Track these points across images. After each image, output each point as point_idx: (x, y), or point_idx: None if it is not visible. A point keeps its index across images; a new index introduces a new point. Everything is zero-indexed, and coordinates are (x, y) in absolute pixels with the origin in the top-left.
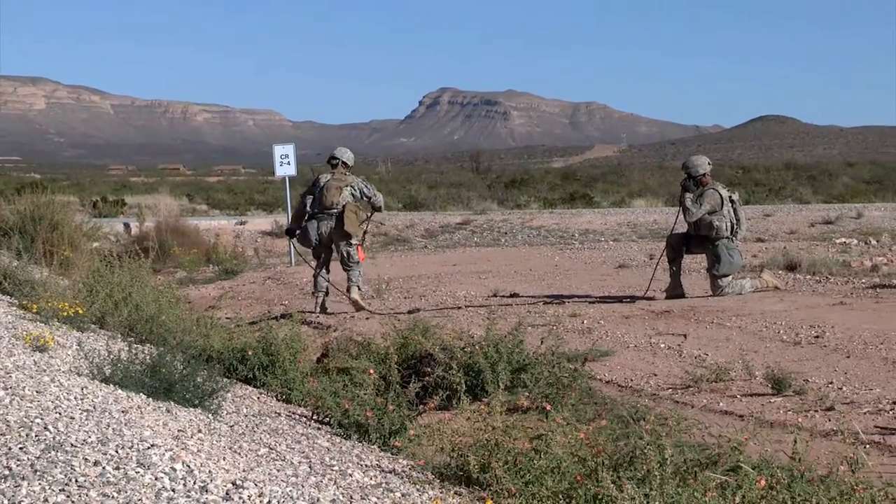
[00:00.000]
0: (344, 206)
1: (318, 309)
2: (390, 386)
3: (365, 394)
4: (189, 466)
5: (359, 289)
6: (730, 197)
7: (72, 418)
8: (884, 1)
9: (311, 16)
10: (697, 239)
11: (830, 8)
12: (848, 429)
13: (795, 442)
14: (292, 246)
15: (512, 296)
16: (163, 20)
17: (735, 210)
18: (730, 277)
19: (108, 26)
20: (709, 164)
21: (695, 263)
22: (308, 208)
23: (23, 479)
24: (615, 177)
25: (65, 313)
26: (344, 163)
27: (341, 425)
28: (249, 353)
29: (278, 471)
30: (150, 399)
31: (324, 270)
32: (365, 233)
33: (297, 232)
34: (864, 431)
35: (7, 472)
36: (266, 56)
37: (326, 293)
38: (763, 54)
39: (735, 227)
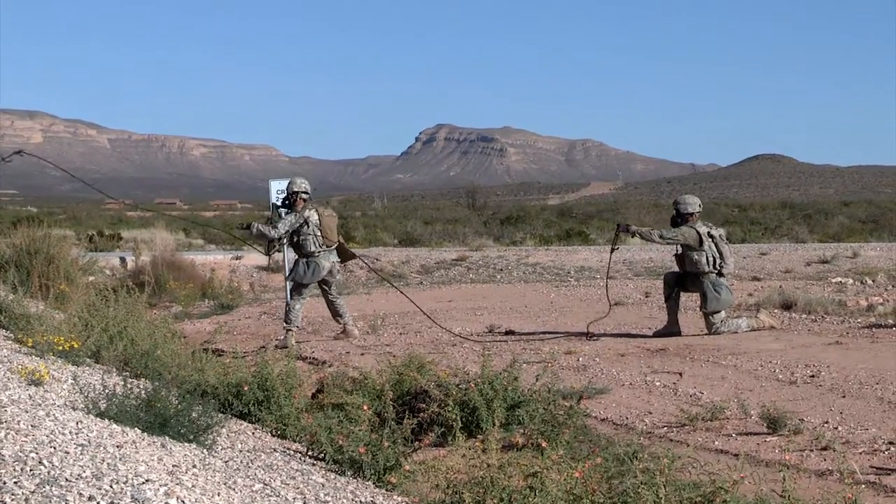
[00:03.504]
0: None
1: (287, 343)
2: (385, 422)
3: (360, 430)
4: (184, 502)
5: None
6: (708, 233)
7: (67, 453)
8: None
9: (308, 51)
10: (689, 276)
11: (827, 48)
12: (846, 468)
13: (784, 480)
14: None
15: (507, 332)
16: (160, 55)
17: (717, 245)
18: (722, 314)
19: (106, 61)
20: (699, 205)
21: (691, 302)
22: (311, 247)
23: None
24: (611, 214)
25: (60, 347)
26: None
27: (336, 461)
28: (245, 388)
29: None
30: (145, 434)
31: (300, 305)
32: None
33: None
34: (860, 471)
35: None
36: (263, 91)
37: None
38: (759, 93)
39: (717, 261)
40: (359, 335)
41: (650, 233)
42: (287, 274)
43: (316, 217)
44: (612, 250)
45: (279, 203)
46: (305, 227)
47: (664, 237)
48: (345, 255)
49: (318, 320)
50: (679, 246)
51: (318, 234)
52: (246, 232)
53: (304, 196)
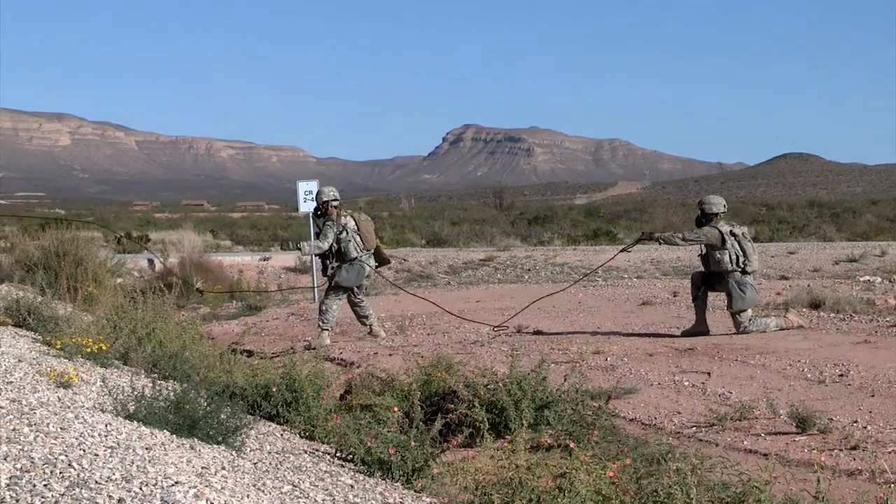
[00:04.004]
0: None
1: (323, 342)
2: (413, 423)
3: (388, 431)
4: (213, 503)
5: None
6: (731, 231)
7: (96, 455)
8: None
9: (335, 53)
10: (715, 276)
11: (855, 47)
12: (876, 468)
13: (819, 481)
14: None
15: (535, 333)
16: (188, 57)
17: (740, 243)
18: (749, 312)
19: (134, 63)
20: (724, 206)
21: (719, 301)
22: (354, 252)
23: None
24: (638, 213)
25: (88, 349)
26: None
27: (364, 462)
28: (273, 389)
29: None
30: (174, 436)
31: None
32: None
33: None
34: (891, 471)
35: None
36: (290, 92)
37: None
38: (787, 92)
39: (741, 259)
40: (385, 335)
41: (673, 237)
42: (325, 277)
43: (353, 223)
44: (624, 250)
45: (314, 213)
46: (344, 233)
47: (686, 239)
48: (381, 260)
49: (346, 321)
50: (703, 246)
51: (358, 238)
52: (297, 251)
53: (334, 203)
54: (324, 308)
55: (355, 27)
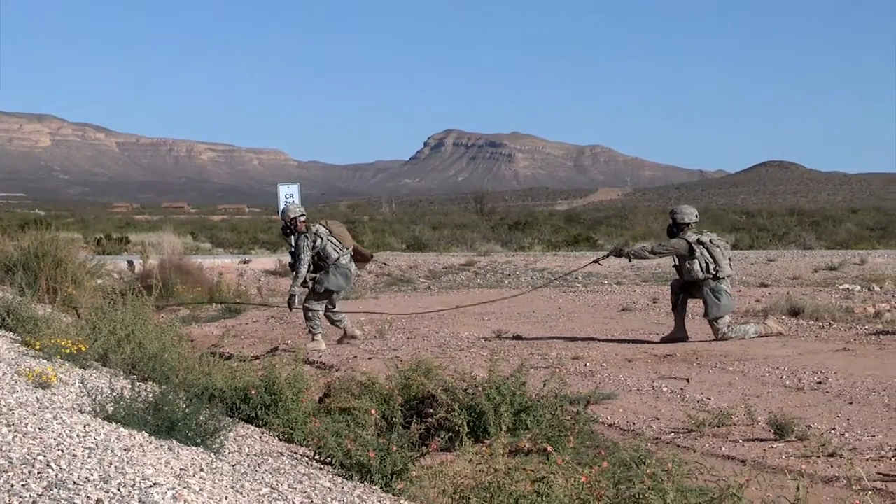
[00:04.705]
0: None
1: (319, 347)
2: (393, 427)
3: (367, 434)
4: None
5: None
6: (698, 240)
7: (74, 456)
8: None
9: (317, 56)
10: (691, 283)
11: (835, 56)
12: (853, 475)
13: (798, 488)
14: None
15: (515, 338)
16: (169, 59)
17: (709, 251)
18: (726, 319)
19: (115, 64)
20: (696, 216)
21: (698, 307)
22: (334, 254)
23: None
24: (619, 220)
25: (67, 350)
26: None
27: (343, 466)
28: (252, 392)
29: None
30: (153, 437)
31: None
32: None
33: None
34: (867, 478)
35: None
36: (272, 95)
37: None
38: (767, 100)
39: (712, 267)
40: (362, 335)
41: (642, 251)
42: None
43: (324, 229)
44: (595, 262)
45: (283, 231)
46: (319, 240)
47: (655, 252)
48: (362, 258)
49: (325, 325)
50: (675, 256)
51: (335, 240)
52: (293, 298)
53: (301, 219)
54: (310, 314)
55: (337, 30)
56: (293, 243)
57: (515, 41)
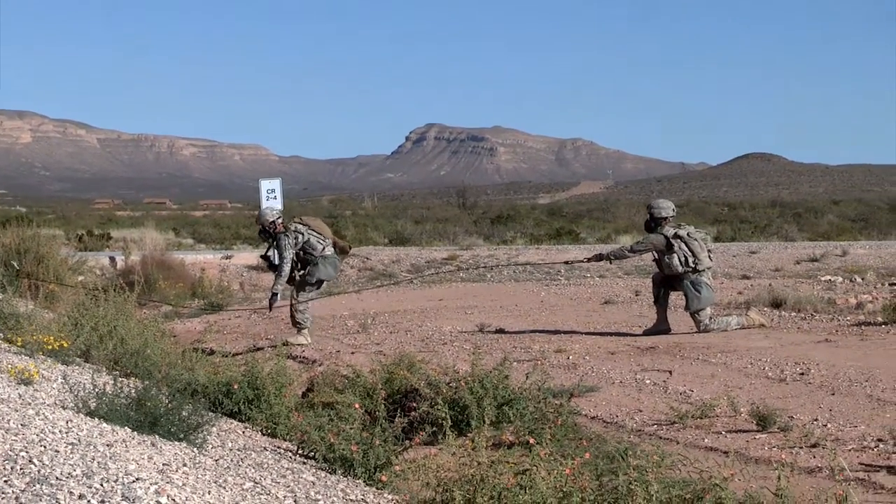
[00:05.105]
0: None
1: (306, 339)
2: (376, 420)
3: (350, 428)
4: (174, 500)
5: None
6: (675, 234)
7: (57, 451)
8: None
9: (299, 51)
10: (671, 277)
11: (816, 48)
12: (835, 465)
13: (779, 479)
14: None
15: (498, 331)
16: (150, 55)
17: (687, 244)
18: (708, 311)
19: (95, 61)
20: (673, 209)
21: (681, 300)
22: (319, 244)
23: None
24: (601, 213)
25: (50, 346)
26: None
27: (326, 460)
28: (235, 387)
29: None
30: (135, 433)
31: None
32: None
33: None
34: (850, 468)
35: None
36: (253, 91)
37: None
38: (749, 93)
39: (691, 260)
40: (308, 343)
41: (621, 251)
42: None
43: (301, 226)
44: (566, 262)
45: (261, 235)
46: (300, 236)
47: (634, 250)
48: (341, 250)
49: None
50: (654, 251)
51: (315, 233)
52: (275, 298)
53: (279, 220)
54: (301, 308)
55: (318, 25)
56: (273, 244)
57: (497, 35)
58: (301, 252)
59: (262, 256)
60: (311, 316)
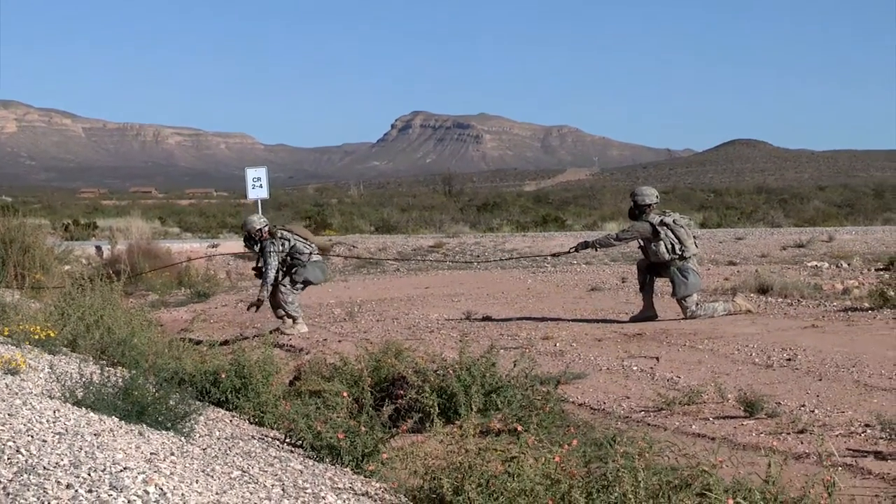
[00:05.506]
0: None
1: (299, 329)
2: (363, 409)
3: (338, 416)
4: (162, 489)
5: None
6: (661, 221)
7: (44, 441)
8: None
9: (283, 39)
10: (657, 263)
11: (801, 34)
12: (823, 451)
13: (770, 466)
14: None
15: (484, 319)
16: (135, 43)
17: (673, 231)
18: (695, 297)
19: (80, 49)
20: (657, 196)
21: (667, 286)
22: (306, 249)
23: None
24: (587, 200)
25: (36, 336)
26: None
27: (314, 448)
28: (222, 376)
29: (251, 493)
30: (123, 422)
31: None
32: None
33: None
34: (837, 454)
35: None
36: (238, 79)
37: None
38: (734, 78)
39: (677, 247)
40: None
41: (607, 239)
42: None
43: (288, 234)
44: (554, 255)
45: (247, 243)
46: (287, 243)
47: (621, 238)
48: (322, 249)
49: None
50: (640, 239)
51: (300, 237)
52: (258, 303)
53: (266, 229)
54: (290, 298)
55: (302, 13)
56: (260, 251)
57: (482, 22)
58: (289, 258)
59: (254, 269)
60: (300, 306)
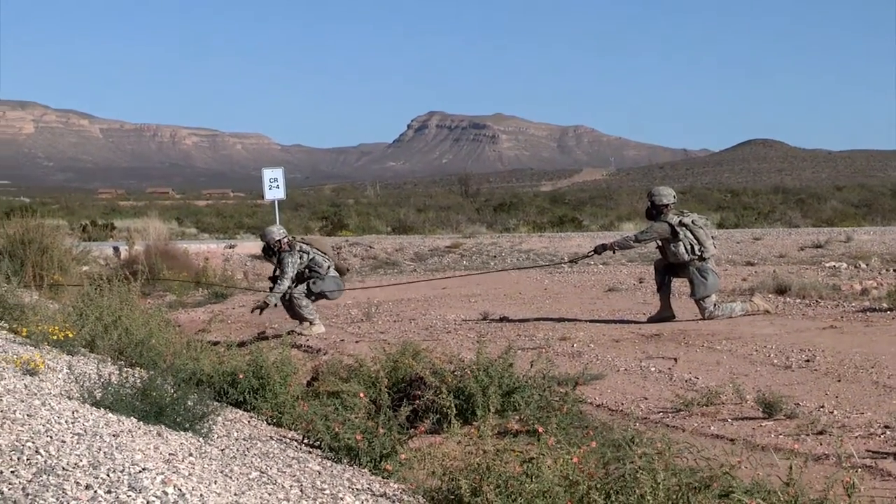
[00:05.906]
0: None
1: (317, 330)
2: (381, 409)
3: (355, 417)
4: (180, 490)
5: None
6: (680, 222)
7: (63, 442)
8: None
9: (300, 39)
10: (676, 264)
11: (818, 33)
12: (842, 452)
13: (791, 468)
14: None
15: (502, 319)
16: (152, 44)
17: (692, 231)
18: (713, 298)
19: (97, 50)
20: (674, 196)
21: (685, 287)
22: (325, 262)
23: (14, 503)
24: (604, 200)
25: (55, 337)
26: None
27: (332, 449)
28: (240, 376)
29: (269, 494)
30: (141, 422)
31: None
32: None
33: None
34: (857, 455)
35: None
36: (255, 80)
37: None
38: (751, 78)
39: (696, 248)
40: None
41: (626, 241)
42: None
43: (307, 247)
44: (572, 261)
45: (265, 253)
46: (305, 255)
47: (639, 239)
48: (339, 271)
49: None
50: (658, 239)
51: (319, 251)
52: (263, 305)
53: (285, 240)
54: (304, 303)
55: (320, 14)
56: (278, 262)
57: (498, 23)
58: (307, 270)
59: (270, 278)
60: (314, 308)
